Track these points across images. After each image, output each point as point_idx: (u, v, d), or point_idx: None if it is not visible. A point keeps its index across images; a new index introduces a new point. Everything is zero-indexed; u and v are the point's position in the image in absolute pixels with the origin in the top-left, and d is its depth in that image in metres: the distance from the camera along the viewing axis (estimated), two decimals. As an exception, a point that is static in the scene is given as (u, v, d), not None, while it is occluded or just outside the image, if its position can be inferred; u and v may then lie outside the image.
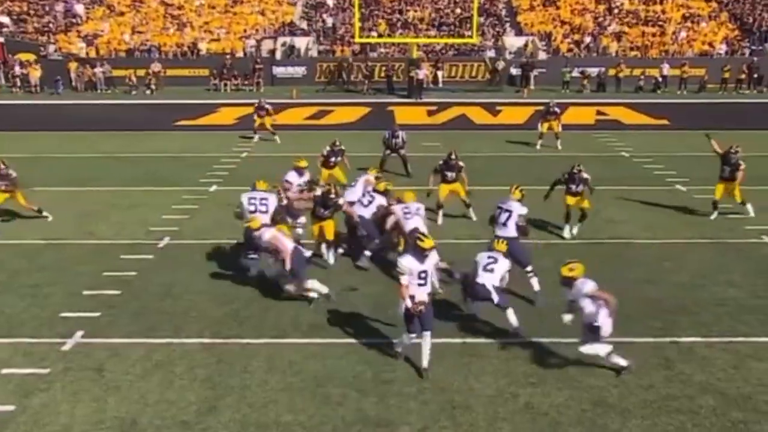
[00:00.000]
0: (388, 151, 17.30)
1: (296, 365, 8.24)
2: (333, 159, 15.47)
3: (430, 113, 28.07)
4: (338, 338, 8.92)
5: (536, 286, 10.00)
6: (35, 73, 35.85)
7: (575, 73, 35.63)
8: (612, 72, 35.53)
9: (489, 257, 9.08)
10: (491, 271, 8.93)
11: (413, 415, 7.25)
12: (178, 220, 13.59)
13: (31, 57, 37.43)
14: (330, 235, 11.40)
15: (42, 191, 15.32)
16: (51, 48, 38.94)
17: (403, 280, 7.90)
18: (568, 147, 20.48)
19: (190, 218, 13.80)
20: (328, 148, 15.59)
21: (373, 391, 7.70)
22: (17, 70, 36.33)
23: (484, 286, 8.86)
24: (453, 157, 13.31)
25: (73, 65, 36.46)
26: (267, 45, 39.08)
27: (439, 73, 36.87)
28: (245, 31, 41.12)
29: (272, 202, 11.08)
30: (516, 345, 8.65)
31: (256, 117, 21.89)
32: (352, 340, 8.86)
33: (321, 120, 26.79)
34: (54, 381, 7.91)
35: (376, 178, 12.77)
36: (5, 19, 40.81)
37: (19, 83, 35.92)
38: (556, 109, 20.70)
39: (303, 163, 12.85)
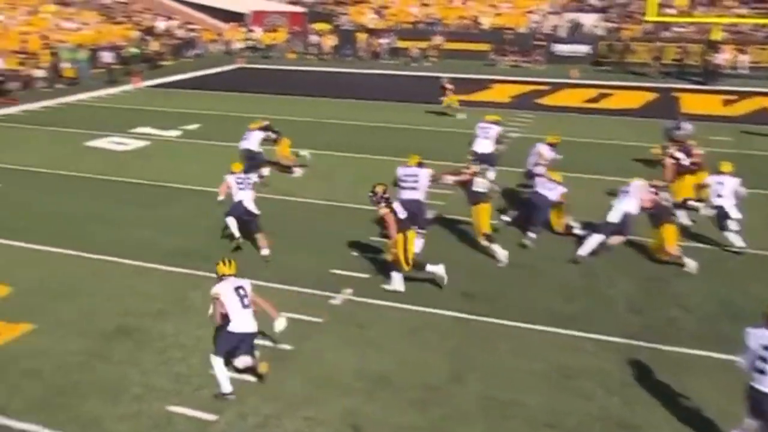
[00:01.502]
0: (669, 144, 16.56)
1: (545, 353, 8.58)
2: (686, 162, 13.79)
3: (727, 103, 26.04)
4: (590, 333, 9.07)
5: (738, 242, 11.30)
6: (328, 42, 39.64)
7: None
8: None
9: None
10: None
11: (660, 424, 7.23)
12: (444, 195, 14.41)
13: (326, 27, 41.42)
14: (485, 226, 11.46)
15: (323, 155, 17.22)
16: (344, 18, 42.63)
17: None
18: None
19: (456, 192, 14.57)
20: (678, 153, 13.98)
21: (619, 391, 7.79)
22: (313, 39, 40.47)
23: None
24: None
25: (362, 35, 39.62)
26: (551, 21, 38.87)
27: (744, 57, 33.82)
28: (533, 5, 41.20)
29: (423, 177, 11.49)
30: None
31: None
32: (604, 337, 8.96)
33: (599, 103, 26.22)
34: (324, 330, 9.14)
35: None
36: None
37: (316, 51, 39.98)
38: None
39: (554, 140, 14.22)
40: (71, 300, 9.93)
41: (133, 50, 34.07)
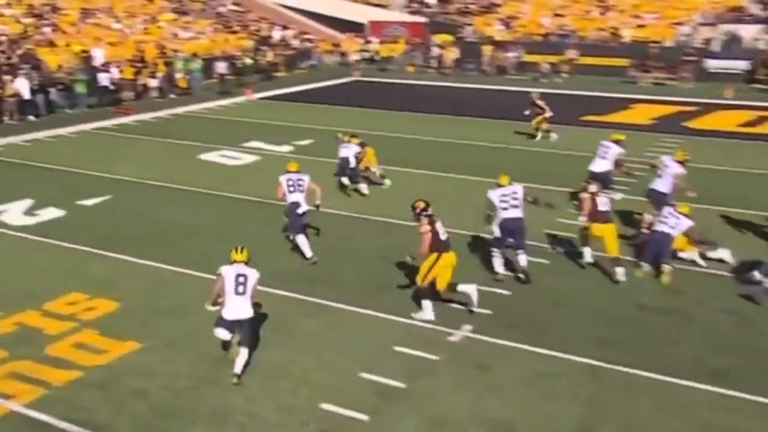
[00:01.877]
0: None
1: (690, 411, 8.20)
2: None
3: None
4: (745, 392, 8.58)
5: None
6: (449, 55, 39.89)
7: None
8: None
9: None
10: None
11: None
12: (576, 225, 14.05)
13: (449, 39, 41.70)
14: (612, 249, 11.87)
15: (432, 175, 17.18)
16: (468, 30, 42.79)
17: None
18: None
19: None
20: None
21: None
22: (434, 51, 40.82)
23: None
24: None
25: (487, 48, 39.59)
26: (703, 33, 37.52)
27: None
28: (683, 16, 39.98)
29: (521, 192, 11.90)
30: None
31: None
32: (762, 399, 8.46)
33: (757, 128, 24.98)
34: (440, 369, 9.09)
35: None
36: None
37: (437, 64, 40.27)
38: None
39: (683, 156, 14.28)
40: (179, 319, 10.37)
41: (248, 60, 35.52)
